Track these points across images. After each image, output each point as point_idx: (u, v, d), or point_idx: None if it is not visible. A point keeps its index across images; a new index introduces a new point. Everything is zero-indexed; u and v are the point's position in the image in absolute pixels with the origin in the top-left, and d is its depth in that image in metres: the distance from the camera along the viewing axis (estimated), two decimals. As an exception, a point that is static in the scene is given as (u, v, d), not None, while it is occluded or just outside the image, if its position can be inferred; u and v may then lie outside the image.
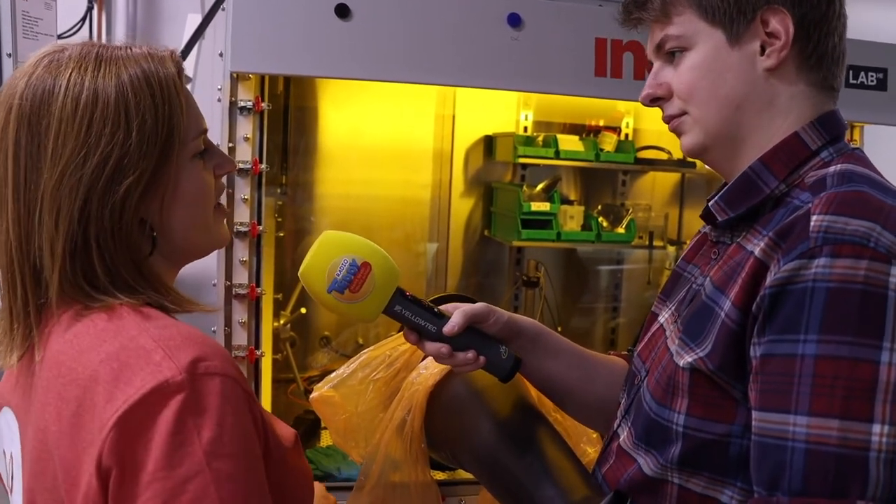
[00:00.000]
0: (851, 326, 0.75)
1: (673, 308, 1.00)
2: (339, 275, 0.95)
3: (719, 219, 0.93)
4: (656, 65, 0.96)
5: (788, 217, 0.83)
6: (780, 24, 0.89)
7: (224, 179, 0.95)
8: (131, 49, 0.85)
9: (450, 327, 0.99)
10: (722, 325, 0.84)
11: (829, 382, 0.74)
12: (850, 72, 1.76)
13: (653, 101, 0.97)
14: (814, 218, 0.79)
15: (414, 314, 1.00)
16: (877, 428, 0.73)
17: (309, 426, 1.85)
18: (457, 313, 1.01)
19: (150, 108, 0.81)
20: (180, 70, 0.87)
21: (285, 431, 0.91)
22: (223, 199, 0.96)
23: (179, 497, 0.71)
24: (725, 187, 0.94)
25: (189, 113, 0.86)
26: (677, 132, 0.96)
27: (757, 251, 0.83)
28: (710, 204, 0.95)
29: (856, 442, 0.73)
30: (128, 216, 0.81)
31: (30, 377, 0.85)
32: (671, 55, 0.94)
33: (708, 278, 0.92)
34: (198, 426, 0.72)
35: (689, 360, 0.87)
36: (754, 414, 0.80)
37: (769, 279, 0.80)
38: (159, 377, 0.73)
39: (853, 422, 0.74)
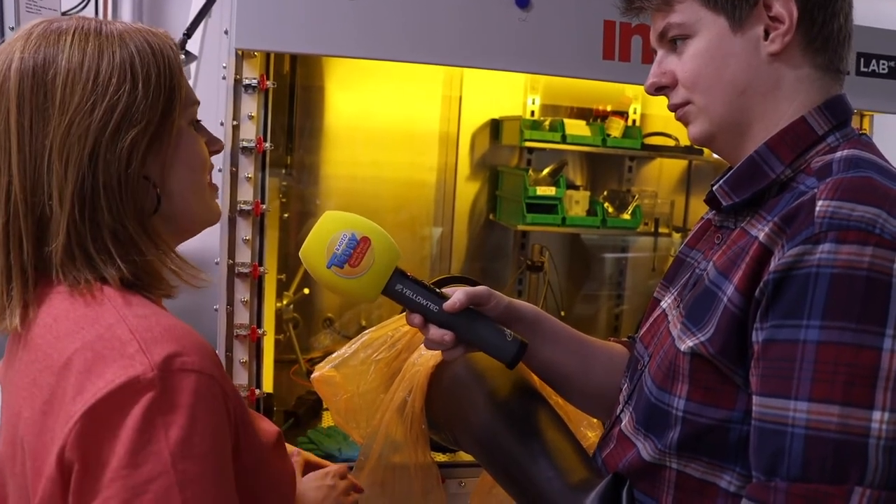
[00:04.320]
0: (854, 313, 0.74)
1: (675, 293, 0.99)
2: (338, 249, 0.96)
3: (724, 203, 0.93)
4: (660, 53, 0.96)
5: (794, 202, 0.82)
6: (784, 7, 0.88)
7: (213, 159, 0.95)
8: (129, 25, 0.86)
9: (451, 303, 0.99)
10: (724, 310, 0.84)
11: (831, 368, 0.74)
12: (862, 60, 1.74)
13: (658, 90, 0.96)
14: (819, 203, 0.79)
15: (415, 293, 0.99)
16: (877, 415, 0.73)
17: (311, 407, 1.85)
18: (458, 292, 1.00)
19: (153, 66, 0.83)
20: (176, 47, 0.88)
21: (268, 428, 0.89)
22: (218, 180, 0.96)
23: (140, 497, 0.69)
24: (730, 171, 0.93)
25: (186, 82, 0.88)
26: (683, 121, 0.96)
27: (761, 236, 0.83)
28: (714, 188, 0.94)
29: (856, 428, 0.73)
30: (134, 167, 0.81)
31: (15, 352, 0.84)
32: (674, 43, 0.93)
33: (711, 263, 0.91)
34: (166, 425, 0.70)
35: (691, 344, 0.86)
36: (755, 399, 0.80)
37: (773, 264, 0.79)
38: (130, 372, 0.71)
39: (854, 408, 0.73)
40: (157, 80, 0.83)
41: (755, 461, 0.79)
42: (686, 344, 0.87)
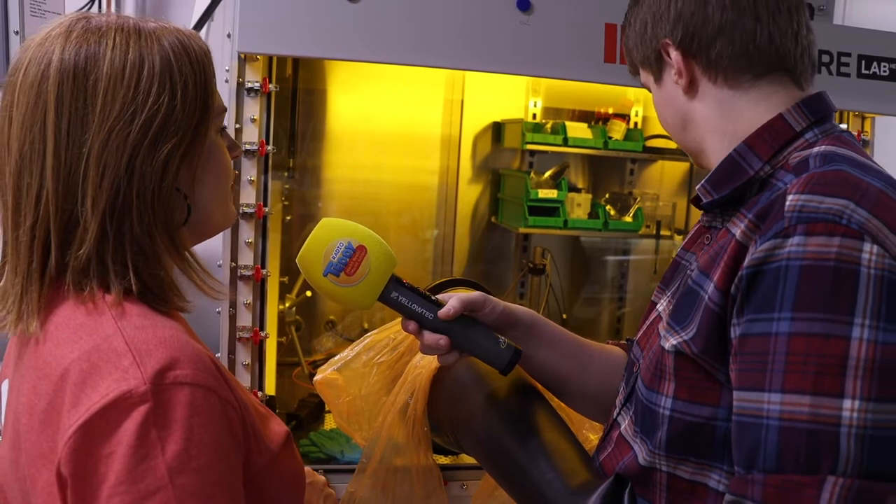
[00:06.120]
0: (823, 303, 0.75)
1: (670, 296, 1.00)
2: (334, 257, 0.97)
3: (704, 200, 0.94)
4: None
5: (770, 199, 0.83)
6: (668, 52, 0.95)
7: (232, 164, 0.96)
8: (161, 23, 0.85)
9: (445, 311, 1.00)
10: (705, 309, 0.85)
11: (802, 359, 0.75)
12: (863, 62, 1.74)
13: None
14: (789, 198, 0.80)
15: (410, 301, 1.00)
16: (847, 403, 0.73)
17: (313, 409, 1.85)
18: (453, 299, 1.01)
19: (190, 75, 0.82)
20: (209, 51, 0.88)
21: (277, 429, 0.89)
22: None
23: None
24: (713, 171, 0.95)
25: (216, 89, 0.88)
26: None
27: (738, 233, 0.84)
28: (697, 188, 0.96)
29: (827, 418, 0.73)
30: (168, 179, 0.81)
31: (22, 354, 0.84)
32: None
33: (696, 263, 0.92)
34: (162, 439, 0.70)
35: (674, 342, 0.87)
36: (734, 394, 0.81)
37: (747, 260, 0.80)
38: (123, 386, 0.71)
39: (824, 398, 0.74)
40: (194, 90, 0.82)
41: (737, 456, 0.80)
42: (670, 342, 0.88)
